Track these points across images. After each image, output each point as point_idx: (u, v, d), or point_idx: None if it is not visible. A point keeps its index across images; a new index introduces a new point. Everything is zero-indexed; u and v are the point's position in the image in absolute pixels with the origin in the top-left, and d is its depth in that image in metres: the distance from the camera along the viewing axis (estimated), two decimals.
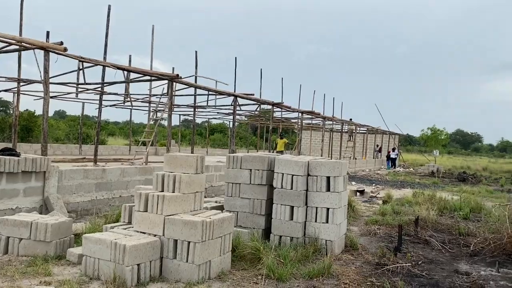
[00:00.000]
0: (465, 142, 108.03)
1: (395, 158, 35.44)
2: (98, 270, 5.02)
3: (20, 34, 11.95)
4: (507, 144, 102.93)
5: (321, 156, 22.74)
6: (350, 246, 7.20)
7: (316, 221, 6.83)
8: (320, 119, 26.04)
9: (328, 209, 6.78)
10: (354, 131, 32.42)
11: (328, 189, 6.82)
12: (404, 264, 6.18)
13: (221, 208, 7.51)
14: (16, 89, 15.29)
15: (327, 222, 6.76)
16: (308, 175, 6.95)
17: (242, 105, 19.34)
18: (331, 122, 29.49)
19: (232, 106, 16.89)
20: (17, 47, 9.37)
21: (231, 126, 21.96)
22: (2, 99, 37.49)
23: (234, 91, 16.88)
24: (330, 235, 6.70)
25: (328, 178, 6.84)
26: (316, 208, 6.84)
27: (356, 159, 30.70)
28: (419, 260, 6.66)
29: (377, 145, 39.21)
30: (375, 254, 6.78)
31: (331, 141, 29.42)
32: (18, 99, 15.38)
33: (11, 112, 29.40)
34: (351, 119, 30.40)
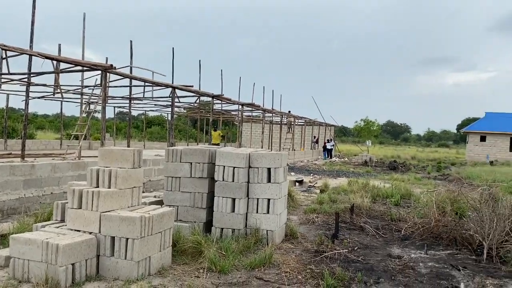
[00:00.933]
0: (395, 133, 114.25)
1: (331, 149, 36.67)
2: (28, 272, 4.71)
3: None
4: (432, 134, 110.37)
5: (262, 148, 22.97)
6: (290, 235, 7.35)
7: (257, 212, 6.88)
8: (260, 111, 26.28)
9: (269, 200, 6.85)
10: (292, 123, 33.08)
11: (269, 180, 6.89)
12: (341, 251, 6.41)
13: (160, 203, 7.33)
14: None
15: (268, 212, 6.83)
16: (250, 167, 6.98)
17: (181, 97, 19.01)
18: (271, 115, 29.87)
19: (170, 98, 16.53)
20: None
21: (169, 118, 21.52)
22: None
23: (172, 83, 16.52)
24: (271, 225, 6.79)
25: (269, 169, 6.90)
26: (258, 199, 6.90)
27: (294, 150, 31.40)
28: (355, 246, 6.95)
29: (314, 137, 40.33)
30: (314, 242, 6.97)
31: (271, 133, 29.81)
32: None
33: None
34: (289, 111, 30.97)
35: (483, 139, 46.62)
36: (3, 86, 15.73)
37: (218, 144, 21.47)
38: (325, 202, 10.61)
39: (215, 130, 23.64)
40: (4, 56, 11.31)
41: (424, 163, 32.87)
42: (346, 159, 35.30)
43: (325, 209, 9.72)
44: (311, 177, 17.97)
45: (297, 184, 14.75)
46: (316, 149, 38.02)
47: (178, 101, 19.44)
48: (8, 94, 19.48)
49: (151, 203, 7.09)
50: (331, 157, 35.43)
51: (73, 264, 4.69)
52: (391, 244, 7.32)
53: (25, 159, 12.07)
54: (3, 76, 13.28)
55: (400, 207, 10.71)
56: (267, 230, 6.80)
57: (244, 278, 5.19)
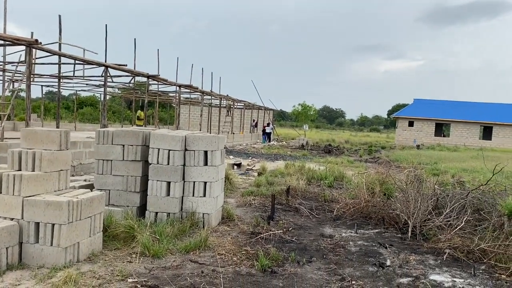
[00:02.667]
0: (331, 117, 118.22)
1: (270, 133, 37.17)
2: None
3: None
4: (365, 119, 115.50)
5: (200, 131, 22.72)
6: (227, 217, 7.36)
7: (193, 195, 6.80)
8: (199, 93, 25.90)
9: (205, 183, 6.79)
10: (232, 106, 32.99)
11: (206, 163, 6.82)
12: (276, 232, 6.53)
13: (91, 186, 7.01)
14: None
15: (204, 196, 6.78)
16: (186, 150, 6.85)
17: (115, 76, 18.22)
18: (210, 97, 29.55)
19: (103, 78, 15.78)
20: None
21: (102, 99, 20.59)
22: None
23: (105, 61, 15.75)
24: (207, 208, 6.74)
25: (206, 152, 6.82)
26: (194, 182, 6.80)
27: (234, 133, 31.42)
28: (289, 226, 7.11)
29: (254, 120, 40.60)
30: (250, 224, 7.04)
31: (210, 116, 29.55)
32: None
33: None
34: (227, 95, 30.85)
35: (411, 124, 49.57)
36: None
37: (140, 126, 20.90)
38: (262, 185, 10.74)
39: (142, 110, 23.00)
40: None
41: (357, 147, 34.32)
42: (284, 142, 35.97)
43: (262, 192, 9.84)
44: (250, 160, 18.11)
45: (235, 167, 14.79)
46: (255, 133, 38.35)
47: (111, 80, 18.64)
48: None
49: (81, 187, 6.76)
50: (269, 141, 35.93)
51: None
52: (324, 224, 7.57)
53: None
54: None
55: (333, 188, 11.10)
56: (203, 213, 6.75)
57: (179, 261, 5.13)
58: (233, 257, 5.40)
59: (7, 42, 11.16)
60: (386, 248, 6.18)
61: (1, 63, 16.16)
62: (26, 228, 4.76)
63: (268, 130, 36.79)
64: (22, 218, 4.78)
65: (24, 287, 4.12)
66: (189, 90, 24.57)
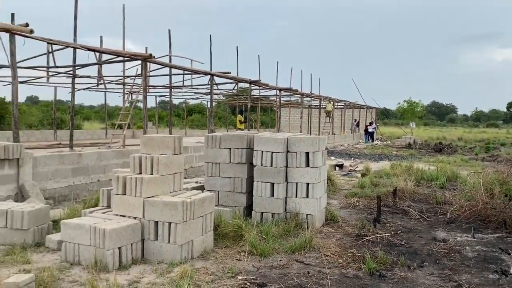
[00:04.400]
0: (441, 113, 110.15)
1: (373, 132, 35.92)
2: (78, 255, 4.96)
3: None
4: (480, 114, 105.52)
5: (301, 132, 22.83)
6: (330, 219, 7.30)
7: (296, 196, 6.88)
8: (298, 96, 26.06)
9: (308, 184, 6.82)
10: (332, 110, 32.47)
11: (307, 165, 6.85)
12: (383, 234, 6.31)
13: (201, 188, 7.47)
14: None
15: (307, 197, 6.81)
16: (288, 151, 6.96)
17: (219, 84, 19.13)
18: (309, 99, 29.55)
19: (209, 86, 16.69)
20: None
21: (209, 106, 21.78)
22: None
23: (210, 70, 16.65)
24: (310, 209, 6.77)
25: (307, 153, 6.86)
26: (296, 183, 6.88)
27: (334, 134, 30.99)
28: (398, 229, 6.81)
29: (355, 120, 39.59)
30: (355, 226, 6.89)
31: (309, 117, 29.53)
32: None
33: None
34: (328, 97, 30.50)
35: None
36: (51, 79, 16.41)
37: (242, 130, 21.50)
38: (366, 186, 10.44)
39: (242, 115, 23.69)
40: (50, 50, 11.79)
41: (472, 144, 31.57)
42: (389, 142, 34.48)
43: (367, 193, 9.57)
44: (352, 161, 17.71)
45: (337, 168, 14.58)
46: (357, 133, 37.36)
47: (216, 88, 19.60)
48: (55, 87, 20.31)
49: (193, 188, 7.24)
50: (372, 140, 34.73)
51: (119, 248, 4.89)
52: (436, 227, 7.12)
53: (73, 148, 12.60)
54: (50, 69, 13.85)
55: (445, 190, 10.38)
56: (306, 214, 6.79)
57: (285, 261, 5.23)
58: (338, 259, 5.34)
59: (126, 58, 12.39)
60: (509, 254, 5.62)
61: (121, 77, 17.96)
62: (147, 226, 5.25)
63: (370, 129, 35.58)
64: (143, 217, 5.27)
65: (147, 280, 4.54)
66: (289, 93, 24.85)
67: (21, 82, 15.02)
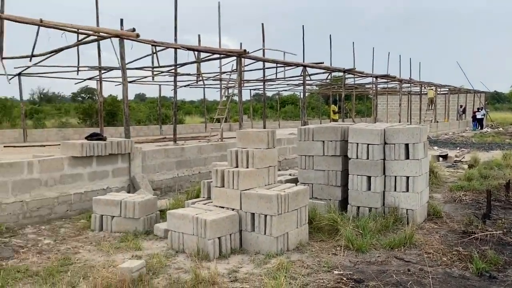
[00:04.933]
0: None
1: (482, 118, 32.98)
2: (182, 243, 5.31)
3: (97, 24, 12.65)
4: None
5: (399, 121, 21.78)
6: (433, 214, 6.89)
7: (395, 190, 6.60)
8: (397, 82, 24.84)
9: (407, 177, 6.51)
10: (434, 96, 30.39)
11: (407, 157, 6.54)
12: (494, 232, 5.79)
13: (295, 181, 7.53)
14: (98, 76, 16.34)
15: (407, 190, 6.51)
16: (385, 143, 6.70)
17: (312, 74, 18.99)
18: (409, 85, 28.01)
19: (302, 77, 16.65)
20: (95, 37, 9.93)
21: (301, 97, 21.75)
22: (88, 86, 40.32)
23: (303, 61, 16.59)
24: (410, 204, 6.46)
25: (407, 145, 6.54)
26: (395, 177, 6.60)
27: (437, 122, 29.04)
28: (511, 227, 6.21)
29: (461, 106, 36.68)
30: (461, 222, 6.42)
31: (409, 104, 27.99)
32: (101, 86, 16.47)
33: (96, 98, 31.62)
34: (429, 83, 28.60)
35: None
36: (155, 78, 17.68)
37: (336, 121, 20.94)
38: (474, 179, 9.65)
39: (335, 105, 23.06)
40: (154, 51, 12.68)
41: None
42: (501, 129, 31.38)
43: (475, 186, 8.85)
44: (458, 151, 16.46)
45: (440, 159, 13.67)
46: (463, 120, 34.58)
47: (309, 79, 19.48)
48: (160, 85, 21.84)
49: (287, 181, 7.33)
50: (481, 128, 31.89)
51: (219, 238, 5.14)
52: None
53: (176, 142, 13.47)
54: (154, 69, 14.92)
55: None
56: (406, 209, 6.49)
57: (383, 257, 5.07)
58: (442, 257, 5.04)
59: (222, 55, 12.86)
60: None
61: (218, 73, 18.70)
62: (244, 218, 5.44)
63: (479, 115, 32.69)
64: (241, 209, 5.47)
65: (245, 270, 4.72)
66: (386, 80, 23.81)
67: (130, 82, 16.38)
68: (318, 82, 26.04)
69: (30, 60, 11.42)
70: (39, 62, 12.67)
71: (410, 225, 5.96)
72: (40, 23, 8.04)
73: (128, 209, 6.24)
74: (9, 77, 12.51)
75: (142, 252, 5.31)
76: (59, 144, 8.55)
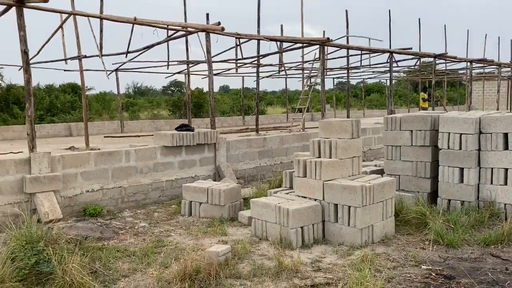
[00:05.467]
0: None
1: None
2: (266, 231, 5.43)
3: (185, 20, 13.23)
4: None
5: (497, 109, 20.05)
6: None
7: (491, 183, 6.14)
8: (495, 67, 22.81)
9: (506, 169, 6.01)
10: None
11: (506, 147, 6.03)
12: None
13: (380, 172, 7.30)
14: (186, 70, 17.13)
15: (505, 184, 6.01)
16: (480, 132, 6.24)
17: (399, 61, 18.10)
18: (509, 69, 25.56)
19: (388, 64, 15.97)
20: (183, 32, 10.40)
21: (388, 84, 20.87)
22: (176, 80, 42.43)
23: (390, 47, 15.89)
24: (509, 198, 5.96)
25: (506, 134, 6.03)
26: (492, 169, 6.14)
27: None
28: None
29: None
30: None
31: (509, 91, 25.58)
32: (189, 79, 17.25)
33: (185, 91, 33.18)
34: None
35: None
36: (239, 70, 18.10)
37: (426, 109, 19.63)
38: None
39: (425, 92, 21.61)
40: (238, 43, 12.97)
41: None
42: None
43: None
44: None
45: None
46: None
47: (396, 65, 18.60)
48: (243, 77, 22.30)
49: (372, 172, 7.14)
50: None
51: (302, 228, 5.17)
52: None
53: (259, 132, 13.71)
54: (238, 61, 15.26)
55: None
56: (505, 204, 6.00)
57: (477, 254, 4.75)
58: None
59: (304, 44, 12.78)
60: None
61: (300, 63, 18.62)
62: (327, 208, 5.41)
63: None
64: (323, 199, 5.44)
65: (328, 260, 4.71)
66: (482, 65, 21.96)
67: (215, 75, 16.93)
68: (406, 69, 24.79)
69: (126, 56, 12.29)
70: (133, 58, 13.59)
71: (509, 221, 5.50)
72: (134, 21, 8.60)
73: (215, 196, 6.52)
74: (108, 72, 13.61)
75: (228, 238, 5.53)
76: (152, 135, 9.16)
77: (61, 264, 3.97)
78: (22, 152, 9.22)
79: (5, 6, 6.68)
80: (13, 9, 6.56)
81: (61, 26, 10.66)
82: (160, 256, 4.85)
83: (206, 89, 30.93)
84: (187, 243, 5.33)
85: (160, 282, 4.10)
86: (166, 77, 27.83)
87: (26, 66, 6.57)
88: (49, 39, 11.22)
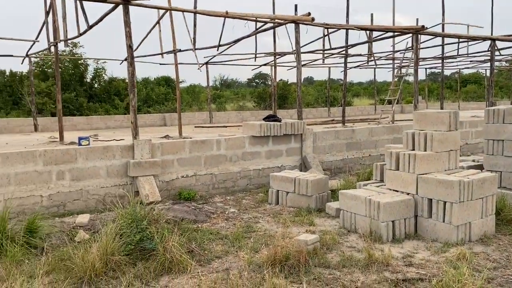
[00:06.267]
0: None
1: None
2: (354, 223, 5.38)
3: (273, 11, 13.38)
4: None
5: None
6: None
7: None
8: None
9: None
10: None
11: None
12: None
13: (479, 167, 6.83)
14: (272, 62, 17.32)
15: None
16: None
17: (502, 49, 16.64)
18: None
19: (489, 52, 14.74)
20: (272, 24, 10.53)
21: (488, 75, 19.28)
22: (261, 72, 43.04)
23: (491, 34, 14.66)
24: None
25: None
26: None
27: None
28: None
29: None
30: None
31: None
32: (275, 71, 17.42)
33: (269, 83, 33.51)
34: None
35: None
36: (326, 61, 17.88)
37: None
38: None
39: None
40: (326, 33, 12.84)
41: None
42: None
43: None
44: None
45: None
46: None
47: (498, 54, 17.12)
48: (329, 67, 21.99)
49: (469, 167, 6.71)
50: None
51: (393, 222, 5.04)
52: None
53: (345, 124, 13.49)
54: (325, 51, 15.09)
55: None
56: None
57: None
58: None
59: (396, 33, 12.27)
60: None
61: (391, 53, 17.90)
62: (420, 203, 5.21)
63: None
64: (416, 194, 5.25)
65: (420, 256, 4.55)
66: None
67: (302, 66, 16.94)
68: (510, 58, 22.68)
69: (217, 49, 12.76)
70: (223, 51, 14.06)
71: None
72: (226, 15, 8.90)
73: (302, 186, 6.58)
74: (199, 65, 14.23)
75: (315, 228, 5.57)
76: (238, 125, 9.45)
77: (162, 242, 4.30)
78: (123, 139, 10.05)
79: (113, 5, 7.27)
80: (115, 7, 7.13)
81: (158, 22, 11.36)
82: (250, 241, 5.04)
83: (290, 80, 31.00)
84: (275, 230, 5.46)
85: (251, 265, 4.27)
86: (252, 69, 28.41)
87: (131, 59, 7.13)
88: (147, 34, 12.03)
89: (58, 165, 6.40)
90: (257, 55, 16.14)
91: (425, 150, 5.37)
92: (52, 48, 10.34)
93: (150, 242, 4.40)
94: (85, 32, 8.43)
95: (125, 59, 15.78)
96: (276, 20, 10.02)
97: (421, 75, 40.87)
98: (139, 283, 3.94)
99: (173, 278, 4.05)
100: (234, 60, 17.65)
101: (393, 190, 5.53)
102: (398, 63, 17.13)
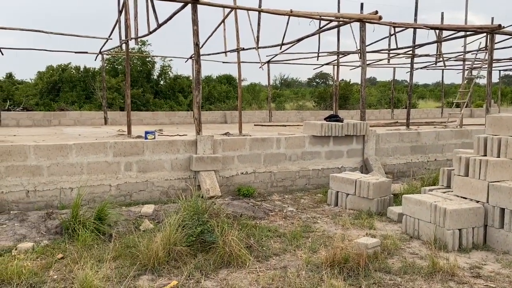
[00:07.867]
0: None
1: None
2: (418, 230, 5.18)
3: (338, 10, 13.17)
4: None
5: None
6: None
7: None
8: None
9: None
10: None
11: None
12: None
13: None
14: (335, 61, 17.07)
15: None
16: None
17: None
18: None
19: None
20: (336, 23, 10.37)
21: None
22: (322, 72, 42.52)
23: None
24: None
25: None
26: None
27: None
28: None
29: None
30: None
31: None
32: (338, 70, 17.16)
33: (330, 83, 33.02)
34: None
35: None
36: (391, 61, 17.33)
37: None
38: None
39: None
40: (392, 32, 12.42)
41: None
42: None
43: None
44: None
45: None
46: None
47: None
48: (394, 68, 21.29)
49: None
50: None
51: (460, 230, 4.80)
52: None
53: (410, 127, 13.00)
54: (391, 51, 14.63)
55: None
56: None
57: None
58: None
59: (468, 33, 11.63)
60: None
61: (462, 53, 16.99)
62: (490, 212, 4.91)
63: None
64: (487, 202, 4.95)
65: (490, 268, 4.29)
66: None
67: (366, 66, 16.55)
68: None
69: (280, 48, 12.79)
70: (285, 50, 14.05)
71: None
72: (290, 14, 8.89)
73: (363, 189, 6.43)
74: (261, 64, 14.34)
75: (376, 232, 5.42)
76: (298, 125, 9.41)
77: (222, 235, 4.39)
78: (186, 134, 10.37)
79: (182, 4, 7.52)
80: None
81: (223, 21, 11.59)
82: (308, 241, 5.01)
83: (352, 81, 30.37)
84: (334, 232, 5.39)
85: (309, 265, 4.24)
86: (314, 68, 28.09)
87: (197, 57, 7.34)
88: (212, 33, 12.33)
89: (126, 157, 6.74)
90: (320, 54, 15.97)
91: (498, 156, 5.05)
92: (124, 46, 10.89)
93: (210, 235, 4.51)
94: (155, 30, 8.80)
95: (191, 57, 16.30)
96: (341, 19, 9.85)
97: (494, 78, 38.30)
98: (199, 274, 4.05)
99: (232, 272, 4.13)
100: (296, 59, 17.60)
101: (461, 197, 5.26)
102: (469, 64, 16.22)
